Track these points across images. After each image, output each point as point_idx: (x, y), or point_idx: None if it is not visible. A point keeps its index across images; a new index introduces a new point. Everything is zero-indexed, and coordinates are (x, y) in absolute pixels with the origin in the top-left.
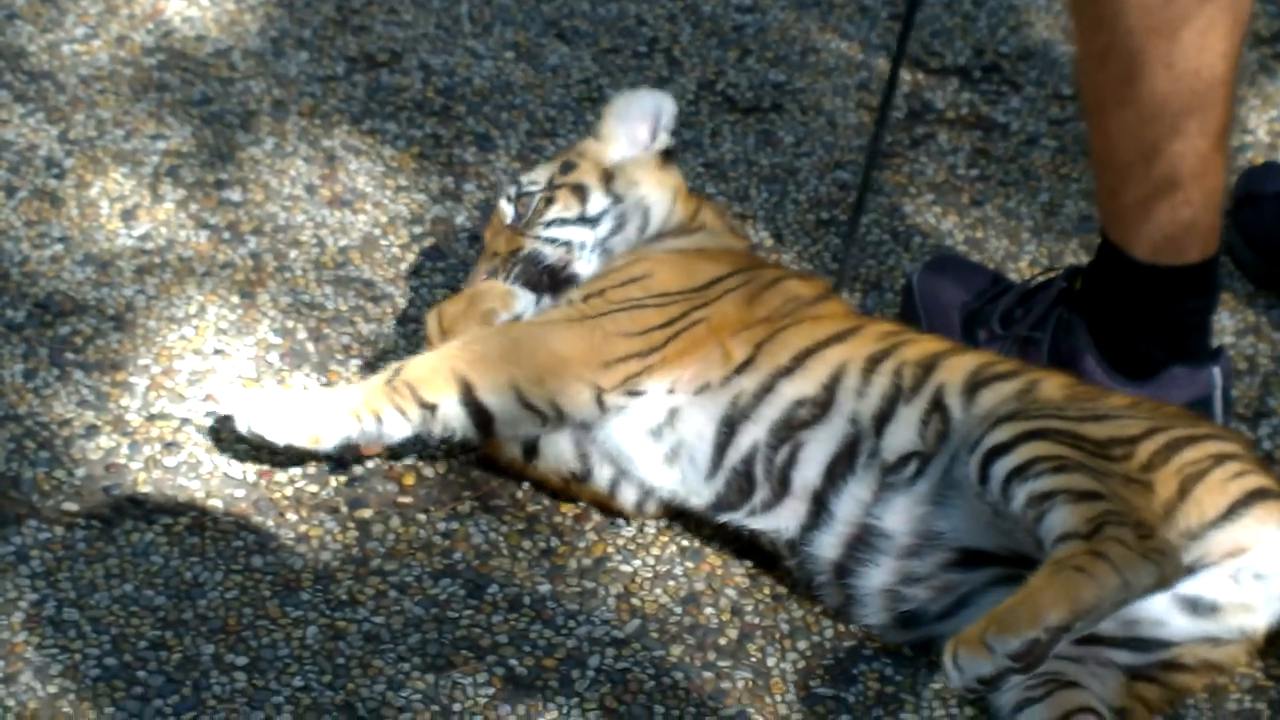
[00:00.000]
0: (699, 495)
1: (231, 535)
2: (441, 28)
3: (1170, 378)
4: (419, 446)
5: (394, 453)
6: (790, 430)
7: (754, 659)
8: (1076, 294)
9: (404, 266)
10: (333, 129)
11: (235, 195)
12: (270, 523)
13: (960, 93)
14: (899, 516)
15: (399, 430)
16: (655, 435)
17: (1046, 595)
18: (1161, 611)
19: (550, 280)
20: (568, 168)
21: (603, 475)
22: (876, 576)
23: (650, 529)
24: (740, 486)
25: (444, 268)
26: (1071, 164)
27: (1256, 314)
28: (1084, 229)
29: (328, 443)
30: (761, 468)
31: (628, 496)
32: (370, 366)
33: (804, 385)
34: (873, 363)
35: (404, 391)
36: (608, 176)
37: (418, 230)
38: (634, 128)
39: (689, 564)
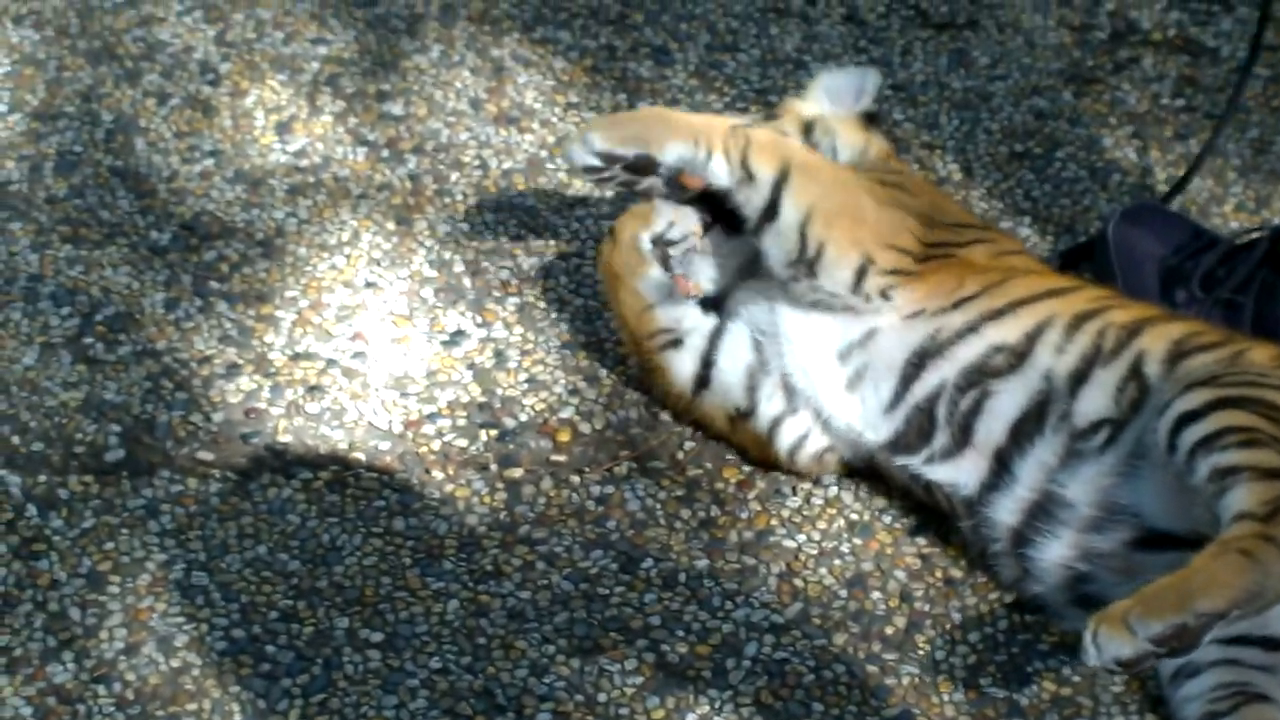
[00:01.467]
0: (875, 430)
1: (373, 494)
2: None
3: None
4: (577, 400)
5: (550, 406)
6: (982, 376)
7: (922, 651)
8: None
9: (570, 193)
10: (502, 37)
11: (397, 108)
12: (415, 480)
13: (1168, 11)
14: (1084, 486)
15: (719, 176)
16: (843, 357)
17: (1202, 577)
18: None
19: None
20: (768, 116)
21: (768, 412)
22: (1055, 549)
23: (817, 500)
24: (921, 426)
25: (611, 196)
26: None
27: None
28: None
29: (668, 155)
30: (945, 409)
31: (787, 438)
32: (529, 306)
33: (1007, 331)
34: (1079, 320)
35: (740, 145)
36: (807, 127)
37: None
38: (838, 97)
39: (857, 541)
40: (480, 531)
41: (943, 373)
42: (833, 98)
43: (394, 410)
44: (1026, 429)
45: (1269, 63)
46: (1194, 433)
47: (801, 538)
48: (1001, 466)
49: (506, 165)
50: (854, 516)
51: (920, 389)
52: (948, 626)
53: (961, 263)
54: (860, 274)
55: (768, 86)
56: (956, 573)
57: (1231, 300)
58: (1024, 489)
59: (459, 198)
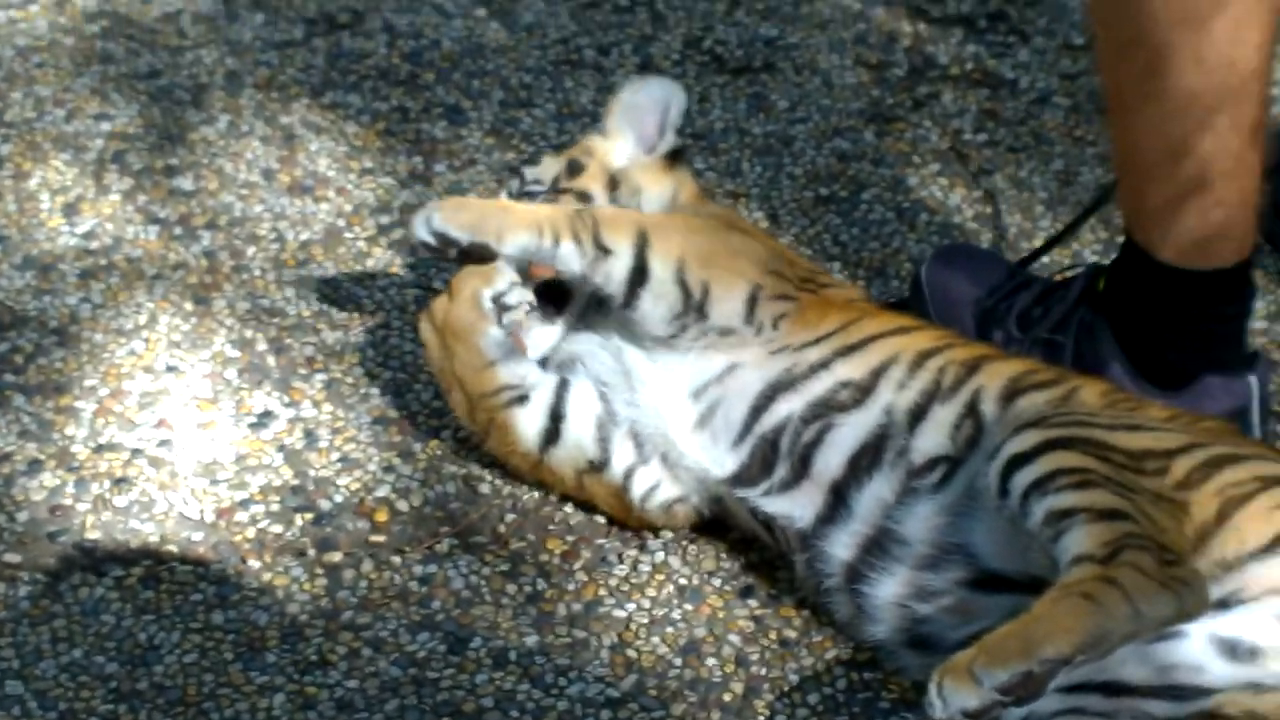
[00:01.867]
0: (721, 465)
1: (190, 587)
2: None
3: (1204, 388)
4: (392, 478)
5: (365, 485)
6: (826, 409)
7: (761, 717)
8: (1100, 295)
9: (371, 263)
10: (291, 103)
11: (187, 183)
12: (231, 570)
13: (965, 45)
14: (920, 523)
15: (571, 262)
16: (697, 394)
17: (1045, 624)
18: (1198, 655)
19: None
20: (574, 169)
21: (620, 463)
22: (890, 586)
23: (645, 567)
24: (764, 458)
25: (414, 263)
26: (1086, 125)
27: None
28: (1092, 197)
29: (508, 247)
30: (788, 441)
31: (639, 488)
32: (337, 382)
33: (854, 368)
34: (921, 358)
35: (588, 225)
36: (613, 183)
37: (385, 220)
38: (642, 121)
39: (688, 606)
40: (302, 620)
41: (791, 405)
42: (636, 124)
43: (205, 499)
44: (864, 463)
45: (1069, 91)
46: (1026, 475)
47: (631, 606)
48: (838, 500)
49: (304, 236)
50: (683, 581)
51: (769, 420)
52: (786, 689)
53: (824, 299)
54: (751, 302)
55: (565, 141)
56: (791, 633)
57: (1050, 340)
58: (859, 523)
59: (257, 273)
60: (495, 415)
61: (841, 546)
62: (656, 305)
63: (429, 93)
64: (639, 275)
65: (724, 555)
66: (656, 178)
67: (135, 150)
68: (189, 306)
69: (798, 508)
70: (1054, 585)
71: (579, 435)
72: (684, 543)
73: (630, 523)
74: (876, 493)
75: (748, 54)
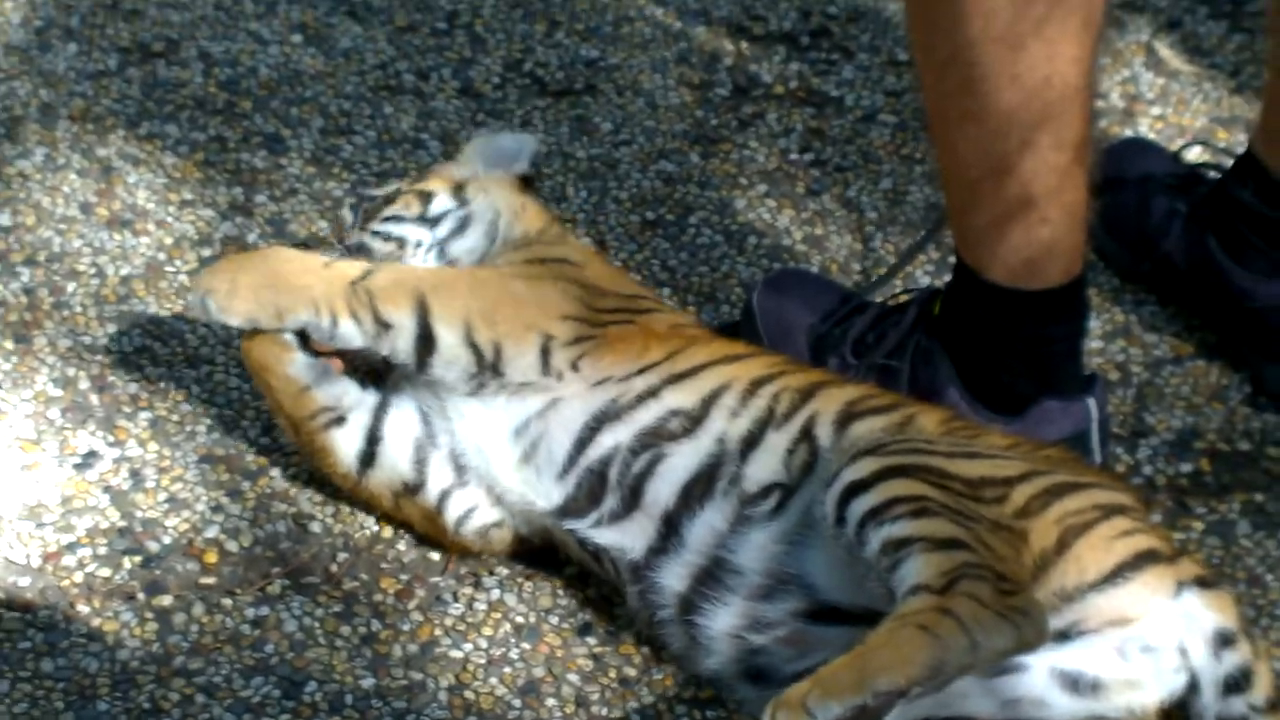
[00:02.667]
0: (546, 498)
1: (17, 635)
2: (221, 9)
3: (1041, 412)
4: (221, 518)
5: (194, 525)
6: (655, 439)
7: None
8: (935, 318)
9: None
10: (107, 134)
11: (4, 219)
12: (60, 616)
13: (788, 63)
14: (753, 553)
15: (351, 338)
16: (518, 432)
17: (880, 656)
18: (1040, 689)
19: None
20: (418, 178)
21: (436, 485)
22: (724, 618)
23: (480, 605)
24: (592, 490)
25: None
26: (913, 142)
27: (1125, 312)
28: (933, 220)
29: (288, 324)
30: (616, 472)
31: (454, 511)
32: (162, 420)
33: (685, 396)
34: (755, 385)
35: (364, 300)
36: (459, 186)
37: (206, 253)
38: (494, 162)
39: (525, 645)
40: (134, 666)
41: (618, 436)
42: (487, 163)
43: (30, 542)
44: (696, 492)
45: (894, 109)
46: (863, 504)
47: (468, 646)
48: (670, 530)
49: (125, 271)
50: (520, 619)
51: (595, 452)
52: None
53: (643, 329)
54: (545, 354)
55: (387, 168)
56: (631, 671)
57: (886, 365)
58: (692, 554)
59: (78, 309)
60: (315, 438)
61: (674, 577)
62: (449, 369)
63: (247, 121)
64: (425, 344)
65: (560, 592)
66: (506, 189)
67: None
68: (9, 345)
69: (629, 538)
70: (890, 616)
71: (395, 457)
72: (520, 580)
73: (449, 547)
74: (709, 522)
75: (569, 76)
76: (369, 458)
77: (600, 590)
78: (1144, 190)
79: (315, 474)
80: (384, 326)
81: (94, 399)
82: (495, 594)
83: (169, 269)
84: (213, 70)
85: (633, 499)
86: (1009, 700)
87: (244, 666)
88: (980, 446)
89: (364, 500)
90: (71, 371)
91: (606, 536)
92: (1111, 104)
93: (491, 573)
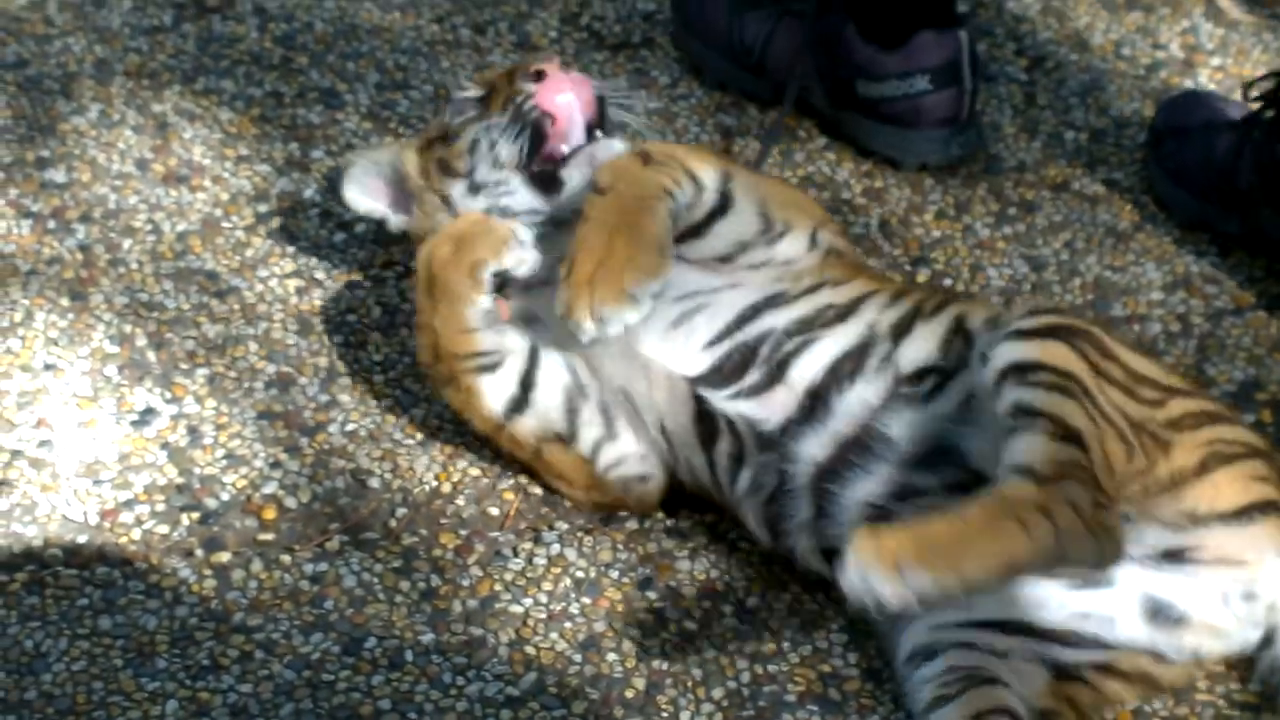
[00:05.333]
0: (690, 364)
1: (75, 592)
2: None
3: (919, 43)
4: (279, 474)
5: (252, 482)
6: (809, 327)
7: (665, 713)
8: None
9: (250, 253)
10: (163, 90)
11: (59, 176)
12: (118, 574)
13: None
14: (908, 427)
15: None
16: (680, 299)
17: (979, 543)
18: (1121, 610)
19: (540, 161)
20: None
21: (589, 435)
22: (866, 485)
23: (540, 560)
24: (740, 362)
25: (293, 252)
26: None
27: (1186, 263)
28: None
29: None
30: (767, 349)
31: (604, 460)
32: (220, 377)
33: (838, 295)
34: (900, 293)
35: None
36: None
37: (263, 209)
38: None
39: (585, 600)
40: (192, 623)
41: (776, 320)
42: None
43: (88, 500)
44: (846, 369)
45: None
46: (1013, 351)
47: (528, 601)
48: (815, 402)
49: (181, 227)
50: (580, 574)
51: (751, 330)
52: (689, 684)
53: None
54: (814, 235)
55: None
56: (691, 625)
57: (795, 10)
58: (840, 423)
59: (134, 266)
60: (463, 378)
61: (816, 446)
62: (731, 232)
63: (303, 77)
64: (722, 205)
65: (620, 547)
66: None
67: (5, 143)
68: (65, 302)
69: (766, 410)
70: (993, 491)
71: (547, 405)
72: (580, 535)
73: (584, 497)
74: (861, 396)
75: (626, 30)
76: (520, 404)
77: (660, 545)
78: (1207, 134)
79: (375, 429)
80: (698, 187)
81: (151, 356)
82: (555, 549)
83: (225, 225)
84: (268, 25)
85: (778, 373)
86: (1082, 614)
87: (303, 623)
88: (1156, 359)
89: (499, 445)
90: (128, 328)
91: (744, 407)
92: (1171, 54)
93: (551, 527)
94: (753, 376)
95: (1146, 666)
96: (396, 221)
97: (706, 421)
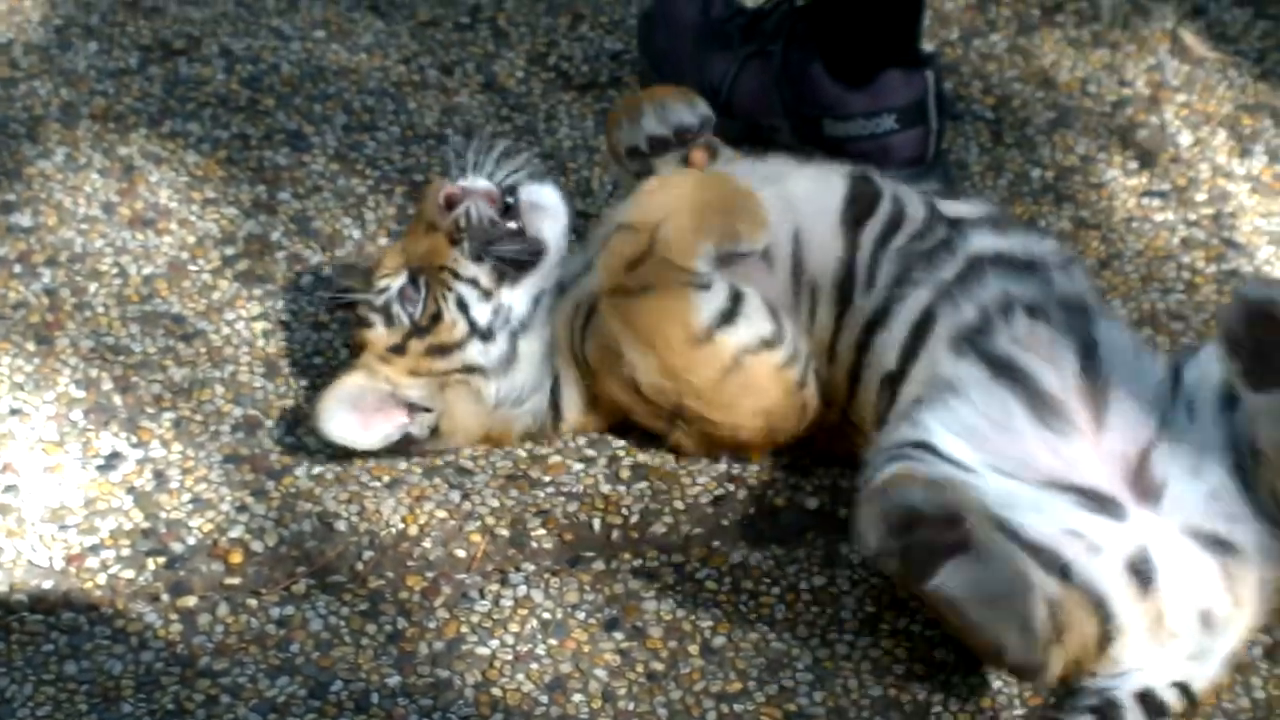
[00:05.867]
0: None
1: (40, 637)
2: (242, 5)
3: (887, 82)
4: (245, 518)
5: (218, 526)
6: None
7: None
8: (802, 9)
9: (216, 296)
10: (129, 133)
11: (25, 219)
12: (83, 619)
13: None
14: None
15: None
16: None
17: None
18: (1113, 544)
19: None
20: None
21: (790, 345)
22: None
23: (507, 601)
24: None
25: (260, 295)
26: None
27: (1153, 301)
28: None
29: None
30: None
31: (800, 370)
32: (186, 421)
33: None
34: None
35: None
36: None
37: (229, 251)
38: None
39: (552, 641)
40: (158, 668)
41: None
42: None
43: (54, 545)
44: None
45: None
46: None
47: (494, 643)
48: None
49: (147, 271)
50: (546, 616)
51: None
52: None
53: None
54: None
55: (411, 164)
56: (658, 666)
57: (764, 51)
58: None
59: (100, 310)
60: (679, 289)
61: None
62: None
63: (270, 119)
64: None
65: (587, 588)
66: None
67: None
68: (31, 346)
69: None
70: None
71: (755, 316)
72: (546, 575)
73: (756, 427)
74: None
75: (593, 70)
76: (730, 315)
77: (626, 585)
78: None
79: (341, 472)
80: None
81: (117, 400)
82: (521, 590)
83: (192, 268)
84: (235, 67)
85: None
86: (1073, 532)
87: (269, 666)
88: None
89: (685, 361)
90: (94, 373)
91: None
92: (1137, 91)
93: (518, 568)
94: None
95: (1085, 627)
96: (423, 423)
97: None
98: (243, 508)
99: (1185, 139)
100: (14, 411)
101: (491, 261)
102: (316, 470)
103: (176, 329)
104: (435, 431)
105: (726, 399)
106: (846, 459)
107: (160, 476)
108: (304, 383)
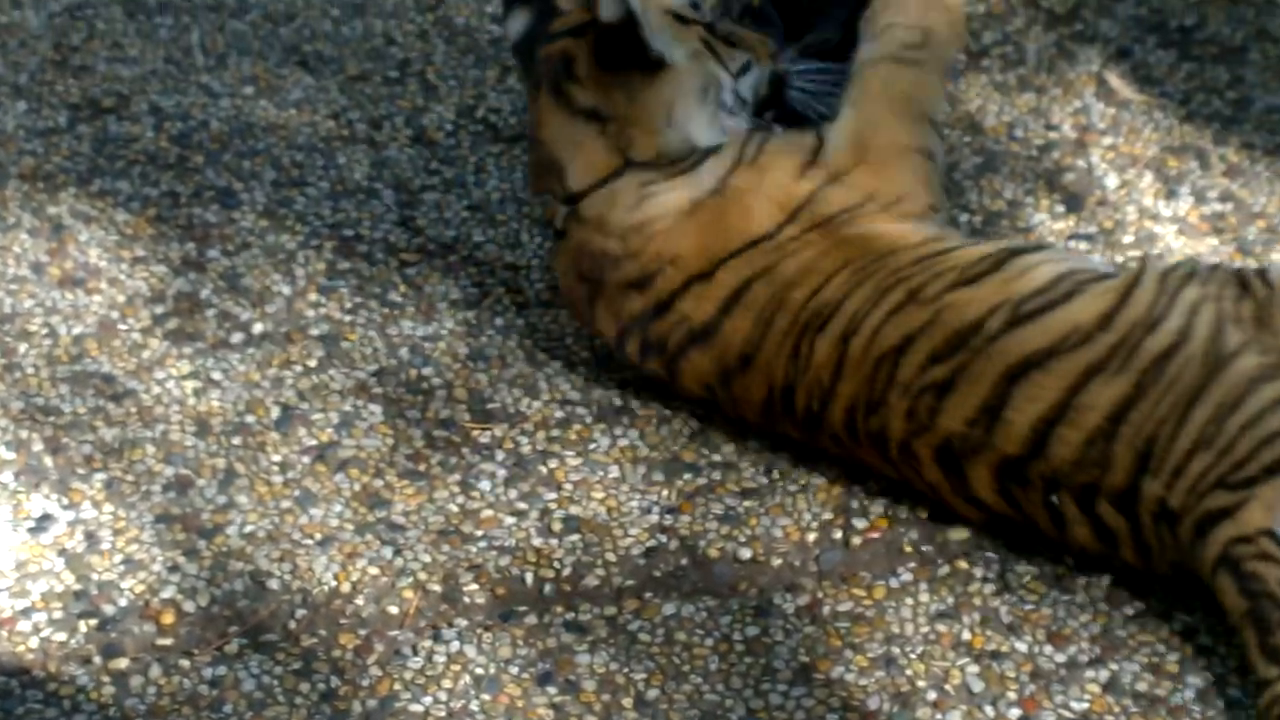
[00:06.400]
0: None
1: None
2: (171, 63)
3: None
4: (178, 578)
5: (150, 587)
6: None
7: None
8: None
9: (146, 355)
10: (58, 192)
11: None
12: (15, 683)
13: None
14: None
15: None
16: None
17: None
18: None
19: None
20: None
21: None
22: None
23: (440, 658)
24: None
25: (190, 353)
26: None
27: None
28: None
29: None
30: None
31: None
32: (117, 481)
33: None
34: None
35: None
36: None
37: (159, 310)
38: None
39: (485, 696)
40: None
41: None
42: None
43: None
44: None
45: None
46: None
47: (428, 700)
48: None
49: (77, 330)
50: (480, 671)
51: None
52: None
53: None
54: None
55: (341, 219)
56: (591, 719)
57: None
58: None
59: (30, 370)
60: None
61: None
62: None
63: (199, 176)
64: None
65: (520, 643)
66: None
67: None
68: None
69: None
70: None
71: None
72: (479, 630)
73: None
74: None
75: (521, 121)
76: None
77: (560, 639)
78: None
79: (273, 530)
80: None
81: (48, 461)
82: (455, 646)
83: (122, 327)
84: (164, 125)
85: None
86: None
87: None
88: None
89: None
90: (24, 434)
91: None
92: (1064, 135)
93: (450, 624)
94: None
95: None
96: None
97: None
98: (175, 568)
99: (1112, 181)
100: None
101: None
102: (248, 529)
103: (107, 389)
104: None
105: None
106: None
107: (91, 538)
108: (235, 441)
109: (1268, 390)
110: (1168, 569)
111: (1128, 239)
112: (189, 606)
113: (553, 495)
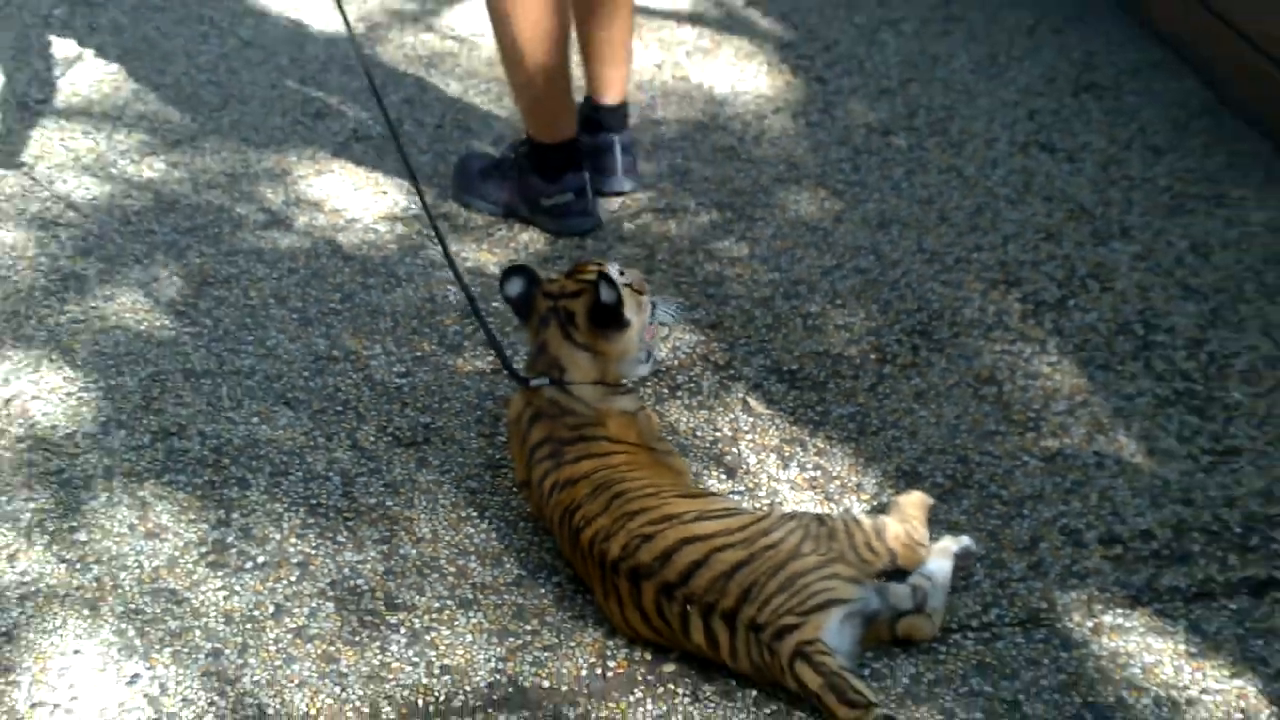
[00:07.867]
0: None
1: None
2: (211, 406)
3: (568, 178)
4: (214, 710)
5: (197, 714)
6: None
7: None
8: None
9: (195, 576)
10: (144, 483)
11: (82, 536)
12: None
13: None
14: None
15: None
16: None
17: None
18: None
19: None
20: None
21: None
22: None
23: None
24: None
25: (222, 574)
26: None
27: None
28: None
29: None
30: None
31: None
32: (178, 653)
33: None
34: None
35: None
36: None
37: (203, 550)
38: None
39: None
40: None
41: None
42: None
43: None
44: None
45: None
46: None
47: None
48: None
49: (155, 563)
50: None
51: None
52: None
53: None
54: None
55: (309, 494)
56: None
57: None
58: None
59: (126, 588)
60: None
61: None
62: None
63: (226, 471)
64: None
65: None
66: None
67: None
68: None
69: None
70: None
71: None
72: None
73: None
74: None
75: (414, 433)
76: None
77: None
78: None
79: (270, 679)
80: None
81: (136, 641)
82: None
83: (180, 559)
84: (206, 441)
85: None
86: None
87: None
88: None
89: None
90: (124, 626)
91: None
92: (724, 433)
93: None
94: None
95: None
96: None
97: None
98: (212, 703)
99: (752, 460)
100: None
101: None
102: (256, 677)
103: (171, 597)
104: None
105: None
106: None
107: (164, 688)
108: (248, 626)
109: (818, 570)
110: (749, 668)
111: (762, 494)
112: None
113: (433, 653)
